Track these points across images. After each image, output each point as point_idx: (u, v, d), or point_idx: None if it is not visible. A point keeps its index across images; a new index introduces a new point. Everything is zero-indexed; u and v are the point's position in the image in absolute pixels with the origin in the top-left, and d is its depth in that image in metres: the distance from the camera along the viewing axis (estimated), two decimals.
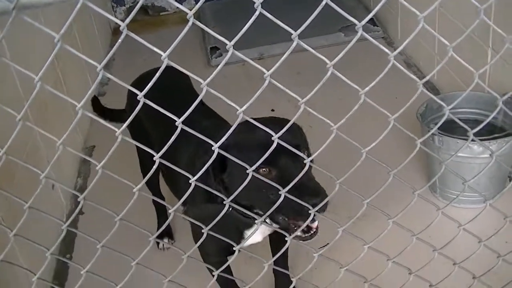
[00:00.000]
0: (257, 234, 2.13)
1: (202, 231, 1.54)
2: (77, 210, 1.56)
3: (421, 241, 1.83)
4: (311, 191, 1.71)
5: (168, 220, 1.54)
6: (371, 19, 5.17)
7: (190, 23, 1.11)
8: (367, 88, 1.34)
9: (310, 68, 3.77)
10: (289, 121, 1.82)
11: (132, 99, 2.55)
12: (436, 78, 4.15)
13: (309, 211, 1.62)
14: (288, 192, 1.55)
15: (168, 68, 2.21)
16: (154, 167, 1.33)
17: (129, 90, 1.34)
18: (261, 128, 1.38)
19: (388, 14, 4.98)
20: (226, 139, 1.38)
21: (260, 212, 1.79)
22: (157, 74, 1.15)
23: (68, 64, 4.03)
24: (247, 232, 2.09)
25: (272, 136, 1.37)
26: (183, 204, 1.73)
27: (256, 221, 1.70)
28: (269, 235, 2.29)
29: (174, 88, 2.50)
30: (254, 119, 1.40)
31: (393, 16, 4.88)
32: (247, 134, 1.78)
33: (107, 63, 6.14)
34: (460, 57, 1.44)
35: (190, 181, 1.38)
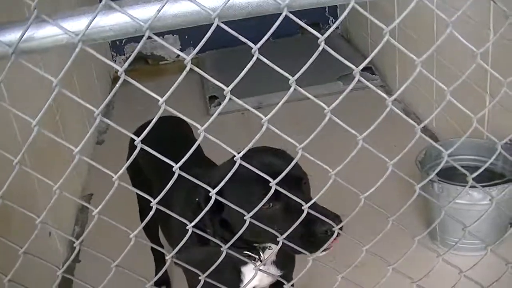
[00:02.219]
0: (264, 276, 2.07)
1: (199, 277, 1.52)
2: (72, 256, 1.54)
3: None
4: (327, 213, 1.66)
5: (165, 267, 1.51)
6: (369, 68, 5.29)
7: (187, 68, 1.12)
8: (365, 133, 1.35)
9: (309, 117, 3.78)
10: (283, 151, 1.83)
11: (133, 149, 2.52)
12: (435, 125, 4.18)
13: (332, 229, 1.62)
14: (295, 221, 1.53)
15: (170, 118, 2.23)
16: (151, 213, 1.32)
17: (130, 141, 1.35)
18: (258, 159, 1.38)
19: (386, 64, 5.04)
20: (220, 178, 1.39)
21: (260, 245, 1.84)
22: (154, 119, 1.16)
23: (67, 113, 4.05)
24: (245, 271, 2.03)
25: (271, 165, 1.37)
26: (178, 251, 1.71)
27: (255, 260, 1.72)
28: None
29: (174, 138, 2.52)
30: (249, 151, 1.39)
31: (391, 65, 4.93)
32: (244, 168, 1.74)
33: (106, 112, 6.23)
34: (458, 104, 1.45)
35: (187, 227, 1.37)
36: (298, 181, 1.76)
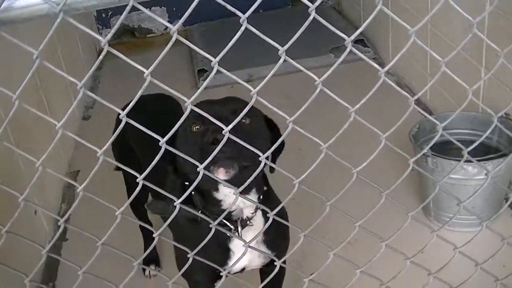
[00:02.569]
0: (254, 256, 2.02)
1: (188, 255, 1.51)
2: (57, 235, 1.52)
3: (415, 265, 1.81)
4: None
5: (153, 244, 1.50)
6: (362, 40, 5.27)
7: (173, 39, 1.10)
8: (357, 106, 1.34)
9: (301, 91, 3.76)
10: (246, 102, 1.81)
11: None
12: (429, 99, 4.17)
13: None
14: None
15: (158, 95, 2.24)
16: (138, 188, 1.31)
17: (117, 118, 1.33)
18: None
19: (379, 36, 5.01)
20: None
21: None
22: (140, 92, 1.14)
23: (52, 87, 4.01)
24: (234, 249, 1.97)
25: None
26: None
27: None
28: (260, 269, 2.24)
29: (163, 113, 2.50)
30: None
31: (384, 37, 4.91)
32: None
33: (92, 87, 6.18)
34: (453, 75, 1.43)
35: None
36: (234, 115, 1.66)
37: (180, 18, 1.10)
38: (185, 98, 1.22)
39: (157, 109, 2.55)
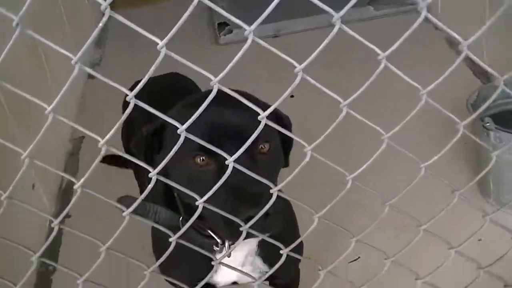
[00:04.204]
0: (231, 273, 1.78)
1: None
2: (53, 234, 1.35)
3: (462, 257, 1.65)
4: (248, 198, 1.38)
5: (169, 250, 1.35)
6: None
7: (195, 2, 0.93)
8: (387, 53, 1.12)
9: (332, 48, 3.58)
10: (255, 98, 1.55)
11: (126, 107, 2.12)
12: (487, 59, 3.95)
13: (240, 228, 1.36)
14: (220, 195, 1.31)
15: (172, 74, 1.97)
16: (150, 186, 1.15)
17: (124, 101, 1.16)
18: (216, 104, 1.16)
19: None
20: (171, 114, 1.37)
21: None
22: (152, 69, 0.97)
23: (52, 41, 3.84)
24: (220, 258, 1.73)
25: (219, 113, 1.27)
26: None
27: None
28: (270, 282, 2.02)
29: (176, 94, 2.30)
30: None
31: None
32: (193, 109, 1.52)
33: (98, 42, 6.04)
34: None
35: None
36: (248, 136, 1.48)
37: None
38: (211, 76, 1.03)
39: (168, 88, 2.43)
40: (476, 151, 2.96)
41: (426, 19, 1.10)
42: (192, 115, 1.14)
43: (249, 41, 1.02)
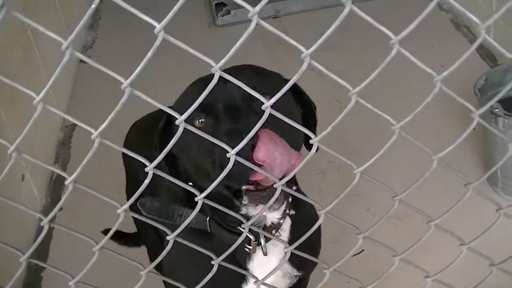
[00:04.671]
0: (278, 278, 1.72)
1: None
2: (40, 238, 1.29)
3: (474, 253, 1.59)
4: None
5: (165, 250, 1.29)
6: None
7: None
8: (399, 37, 1.07)
9: (338, 29, 3.52)
10: (265, 69, 1.57)
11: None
12: (494, 39, 3.90)
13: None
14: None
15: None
16: (147, 181, 1.10)
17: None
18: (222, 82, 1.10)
19: None
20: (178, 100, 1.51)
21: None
22: (149, 54, 0.92)
23: (42, 23, 3.77)
24: (253, 266, 1.68)
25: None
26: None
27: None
28: None
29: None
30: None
31: None
32: (199, 86, 1.50)
33: (91, 24, 5.95)
34: None
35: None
36: (250, 102, 1.43)
37: None
38: (212, 62, 0.98)
39: None
40: (484, 137, 2.92)
41: None
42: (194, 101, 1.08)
43: (253, 24, 0.96)
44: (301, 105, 1.59)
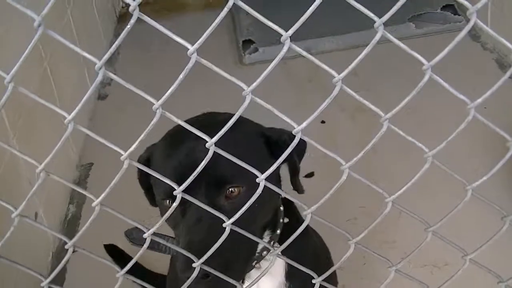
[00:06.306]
0: None
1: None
2: (63, 261, 1.39)
3: None
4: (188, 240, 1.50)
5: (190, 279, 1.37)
6: (451, 5, 5.06)
7: (230, 4, 0.97)
8: (432, 62, 1.15)
9: (369, 67, 3.62)
10: (245, 122, 1.71)
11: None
12: None
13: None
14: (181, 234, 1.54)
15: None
16: (175, 204, 1.19)
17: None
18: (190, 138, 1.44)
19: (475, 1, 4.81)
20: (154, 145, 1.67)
21: None
22: (181, 77, 1.01)
23: (59, 56, 3.88)
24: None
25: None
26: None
27: None
28: None
29: None
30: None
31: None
32: (169, 143, 1.69)
33: (109, 59, 6.07)
34: None
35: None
36: (221, 180, 1.55)
37: None
38: (243, 85, 1.07)
39: None
40: None
41: (475, 36, 1.12)
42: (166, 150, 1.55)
43: (285, 48, 1.04)
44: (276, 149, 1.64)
